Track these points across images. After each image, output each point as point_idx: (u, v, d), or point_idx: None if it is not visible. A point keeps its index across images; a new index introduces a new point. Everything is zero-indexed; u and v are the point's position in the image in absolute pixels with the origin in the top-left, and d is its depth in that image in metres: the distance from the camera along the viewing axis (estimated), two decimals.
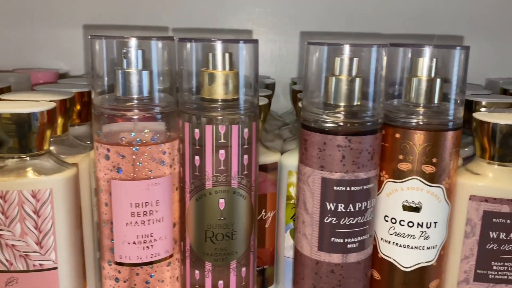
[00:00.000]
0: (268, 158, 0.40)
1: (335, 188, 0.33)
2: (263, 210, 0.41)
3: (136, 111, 0.33)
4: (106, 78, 0.34)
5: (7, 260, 0.34)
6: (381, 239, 0.37)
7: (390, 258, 0.36)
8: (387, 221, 0.36)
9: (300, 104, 0.41)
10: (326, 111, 0.33)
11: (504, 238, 0.36)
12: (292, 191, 0.40)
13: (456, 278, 0.37)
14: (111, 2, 0.60)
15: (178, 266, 0.37)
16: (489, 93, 0.51)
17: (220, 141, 0.33)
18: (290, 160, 0.40)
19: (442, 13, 0.63)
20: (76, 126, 0.44)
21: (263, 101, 0.40)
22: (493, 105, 0.45)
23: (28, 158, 0.34)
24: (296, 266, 0.37)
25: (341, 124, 0.33)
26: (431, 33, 0.63)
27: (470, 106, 0.46)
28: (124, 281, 0.35)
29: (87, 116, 0.46)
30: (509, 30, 0.64)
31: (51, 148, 0.37)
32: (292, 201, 0.40)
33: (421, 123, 0.34)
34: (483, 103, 0.46)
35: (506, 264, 0.36)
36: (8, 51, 0.60)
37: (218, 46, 0.33)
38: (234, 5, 0.62)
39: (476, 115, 0.36)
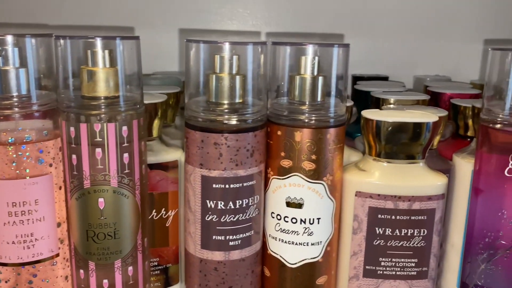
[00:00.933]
0: (168, 156, 0.40)
1: (214, 186, 0.33)
2: (163, 209, 0.40)
3: (14, 109, 0.33)
4: None
5: None
6: (269, 236, 0.37)
7: (278, 254, 0.36)
8: (273, 217, 0.36)
9: None
10: (204, 109, 0.33)
11: (390, 234, 0.36)
12: None
13: (346, 274, 0.37)
14: None
15: (68, 265, 0.36)
16: (403, 90, 0.52)
17: (96, 140, 0.33)
18: None
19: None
20: None
21: (159, 98, 0.40)
22: (398, 103, 0.45)
23: None
24: (185, 264, 0.37)
25: (219, 121, 0.33)
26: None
27: (378, 104, 0.47)
28: (6, 282, 0.34)
29: None
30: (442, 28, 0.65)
31: None
32: None
33: (302, 120, 0.34)
34: (391, 100, 0.46)
35: (393, 260, 0.37)
36: None
37: (98, 43, 0.33)
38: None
39: (363, 112, 0.37)
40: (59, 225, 0.35)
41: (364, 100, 0.50)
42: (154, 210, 0.39)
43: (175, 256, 0.42)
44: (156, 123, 0.40)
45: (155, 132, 0.40)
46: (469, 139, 0.46)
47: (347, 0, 0.63)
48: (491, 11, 0.64)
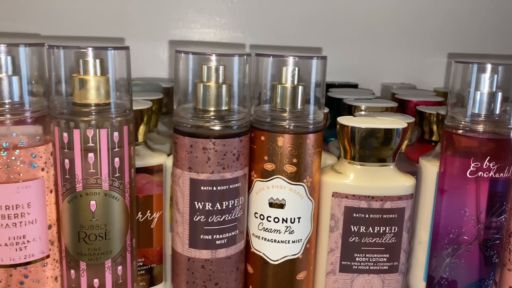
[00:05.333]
0: (153, 160, 0.42)
1: (202, 188, 0.35)
2: (149, 211, 0.42)
3: (6, 116, 0.34)
4: None
5: None
6: (253, 235, 0.39)
7: (260, 252, 0.39)
8: (256, 217, 0.38)
9: None
10: (193, 116, 0.35)
11: (364, 231, 0.39)
12: None
13: (324, 269, 0.40)
14: None
15: (58, 267, 0.38)
16: (372, 98, 0.55)
17: (88, 145, 0.34)
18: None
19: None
20: None
21: (145, 105, 0.42)
22: (369, 110, 0.49)
23: None
24: (172, 263, 0.39)
25: (206, 127, 0.35)
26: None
27: (351, 110, 0.50)
28: None
29: None
30: (401, 38, 0.69)
31: None
32: None
33: (283, 126, 0.37)
34: (362, 107, 0.50)
35: (367, 255, 0.39)
36: None
37: (90, 53, 0.35)
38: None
39: (339, 119, 0.39)
40: (49, 227, 0.37)
41: (337, 106, 0.53)
42: (139, 212, 0.41)
43: (160, 257, 0.44)
44: (142, 128, 0.42)
45: (140, 137, 0.42)
46: (433, 143, 0.49)
47: (320, 11, 0.66)
48: (454, 26, 0.69)
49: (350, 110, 0.50)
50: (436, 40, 0.69)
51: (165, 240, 0.44)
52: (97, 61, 0.35)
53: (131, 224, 0.38)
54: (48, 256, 0.37)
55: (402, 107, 0.56)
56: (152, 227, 0.43)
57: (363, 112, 0.49)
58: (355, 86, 0.65)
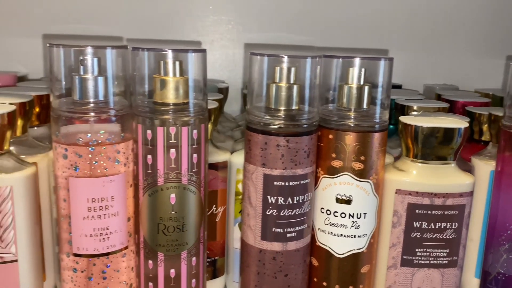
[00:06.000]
0: (219, 157, 0.44)
1: (275, 183, 0.37)
2: (214, 206, 0.44)
3: (92, 114, 0.36)
4: (64, 83, 0.37)
5: None
6: (318, 229, 0.41)
7: (326, 246, 0.40)
8: (323, 212, 0.40)
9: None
10: (267, 114, 0.37)
11: (426, 227, 0.40)
12: (240, 187, 0.44)
13: (385, 263, 0.42)
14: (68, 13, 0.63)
15: (133, 257, 0.40)
16: (422, 98, 0.56)
17: (171, 141, 0.36)
18: (239, 159, 0.43)
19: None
20: (35, 128, 0.46)
21: (212, 105, 0.44)
22: (422, 109, 0.50)
23: None
24: (242, 255, 0.41)
25: (281, 126, 0.37)
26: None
27: (403, 110, 0.51)
28: (82, 271, 0.37)
29: (46, 118, 0.48)
30: (444, 41, 0.70)
31: (11, 148, 0.39)
32: (240, 197, 0.44)
33: (351, 125, 0.38)
34: (414, 107, 0.51)
35: (428, 250, 0.41)
36: None
37: (169, 55, 0.37)
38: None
39: (401, 118, 0.41)
40: (128, 219, 0.39)
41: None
42: None
43: (222, 250, 0.46)
44: (209, 127, 0.44)
45: (208, 136, 0.44)
46: (483, 143, 0.50)
47: (366, 14, 0.68)
48: (497, 27, 0.70)
49: (403, 110, 0.51)
50: (480, 41, 0.70)
51: (228, 234, 0.46)
52: (177, 63, 0.37)
53: (204, 217, 0.40)
54: (126, 247, 0.39)
55: (449, 107, 0.57)
56: (216, 221, 0.45)
57: (415, 113, 0.50)
58: (399, 86, 0.66)
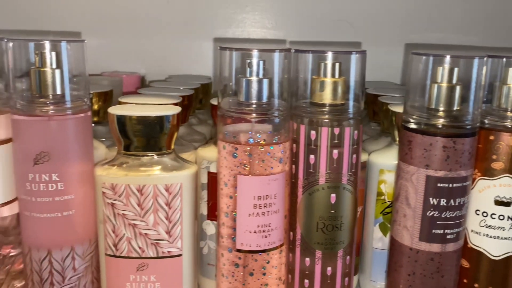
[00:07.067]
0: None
1: (439, 184, 0.37)
2: None
3: (258, 115, 0.37)
4: (231, 84, 0.38)
5: (139, 248, 0.38)
6: (471, 231, 0.40)
7: (480, 248, 0.40)
8: (478, 214, 0.40)
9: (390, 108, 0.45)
10: (431, 115, 0.37)
11: None
12: (383, 187, 0.44)
13: None
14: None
15: (286, 254, 0.41)
16: None
17: (334, 142, 0.37)
18: (381, 159, 0.44)
19: None
20: None
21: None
22: None
23: (155, 157, 0.38)
24: (394, 255, 0.41)
25: (445, 127, 0.37)
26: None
27: None
28: (244, 267, 0.39)
29: (185, 118, 0.50)
30: None
31: None
32: (382, 197, 0.44)
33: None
34: None
35: None
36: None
37: (329, 56, 0.37)
38: None
39: None
40: (285, 217, 0.40)
41: None
42: None
43: (358, 249, 0.46)
44: None
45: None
46: None
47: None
48: None
49: None
50: None
51: (367, 234, 0.46)
52: (336, 64, 0.38)
53: (356, 216, 0.40)
54: (282, 245, 0.40)
55: None
56: None
57: None
58: None
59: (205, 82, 0.59)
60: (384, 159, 0.44)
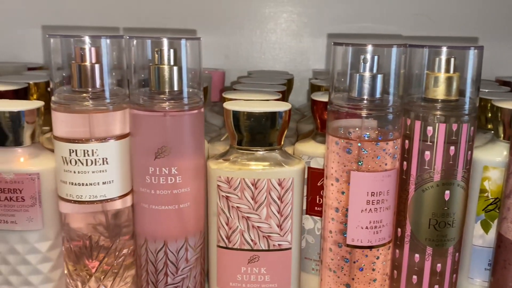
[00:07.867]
0: None
1: None
2: None
3: (371, 111, 0.37)
4: (347, 80, 0.38)
5: (252, 240, 0.39)
6: None
7: None
8: None
9: None
10: None
11: None
12: (487, 184, 0.43)
13: None
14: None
15: (392, 250, 0.41)
16: None
17: (452, 138, 0.37)
18: (485, 156, 0.43)
19: None
20: None
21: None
22: None
23: (267, 152, 0.39)
24: (502, 253, 0.40)
25: None
26: None
27: None
28: (354, 262, 0.39)
29: None
30: None
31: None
32: (486, 194, 0.43)
33: None
34: None
35: None
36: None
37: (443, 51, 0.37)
38: None
39: None
40: (394, 213, 0.40)
41: None
42: None
43: None
44: None
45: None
46: None
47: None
48: None
49: None
50: None
51: (466, 231, 0.45)
52: (451, 60, 0.37)
53: (466, 213, 0.40)
54: (390, 241, 0.40)
55: None
56: None
57: None
58: None
59: (289, 77, 0.60)
60: (488, 156, 0.43)
